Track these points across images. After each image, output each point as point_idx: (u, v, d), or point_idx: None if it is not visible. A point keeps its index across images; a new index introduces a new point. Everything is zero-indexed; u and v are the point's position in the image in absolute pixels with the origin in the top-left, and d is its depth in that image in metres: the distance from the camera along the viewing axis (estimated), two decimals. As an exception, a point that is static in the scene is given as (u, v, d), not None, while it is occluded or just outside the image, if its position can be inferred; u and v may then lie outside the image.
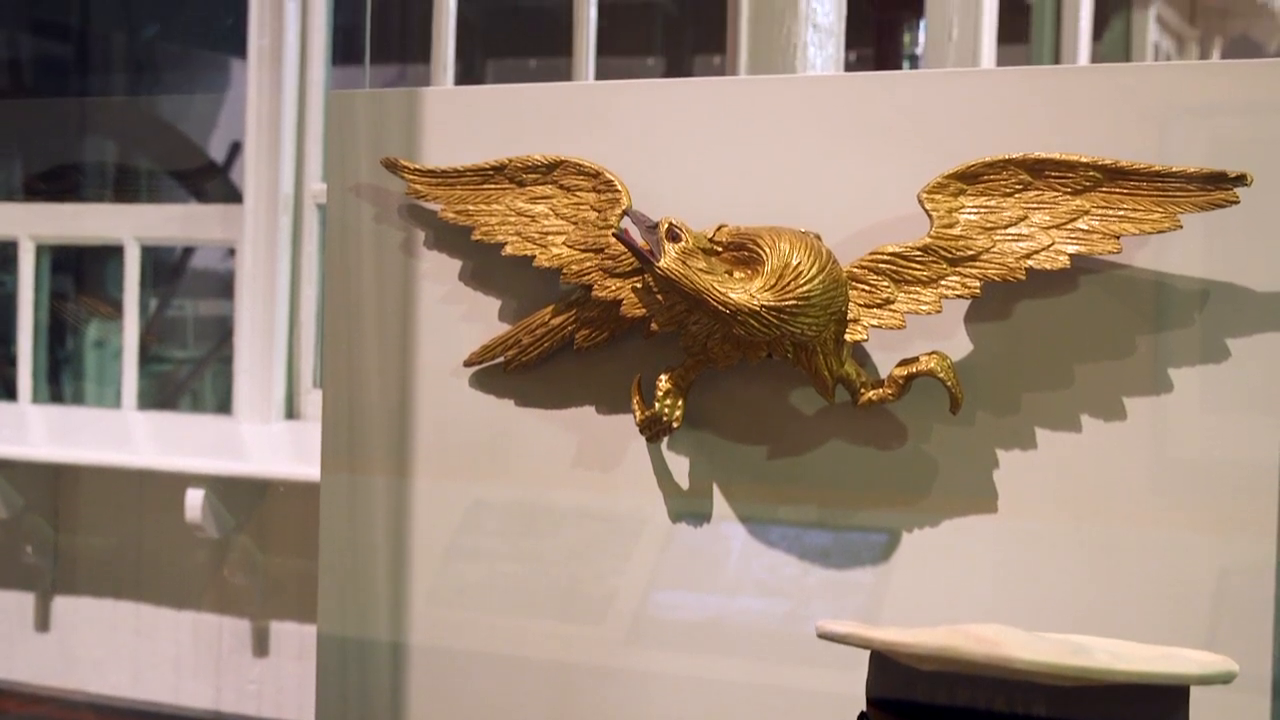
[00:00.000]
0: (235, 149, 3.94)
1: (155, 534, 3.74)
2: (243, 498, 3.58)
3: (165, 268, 4.16)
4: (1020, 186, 1.51)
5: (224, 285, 3.84)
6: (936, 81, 1.64)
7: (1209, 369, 1.51)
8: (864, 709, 1.36)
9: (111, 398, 3.90)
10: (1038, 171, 1.50)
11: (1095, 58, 4.82)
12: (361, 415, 1.85)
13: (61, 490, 3.83)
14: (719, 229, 1.59)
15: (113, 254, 3.77)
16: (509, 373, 1.76)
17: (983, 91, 1.59)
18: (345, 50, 3.50)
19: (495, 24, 5.19)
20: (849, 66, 3.64)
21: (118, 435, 3.78)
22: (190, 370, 4.24)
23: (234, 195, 3.72)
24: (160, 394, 4.05)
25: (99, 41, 4.48)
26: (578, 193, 1.69)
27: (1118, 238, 1.48)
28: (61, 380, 4.07)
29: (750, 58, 2.82)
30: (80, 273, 4.17)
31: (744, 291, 1.50)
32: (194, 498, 3.50)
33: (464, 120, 1.79)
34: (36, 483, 3.81)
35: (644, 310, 1.63)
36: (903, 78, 1.72)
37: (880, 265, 1.55)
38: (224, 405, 3.79)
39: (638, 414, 1.64)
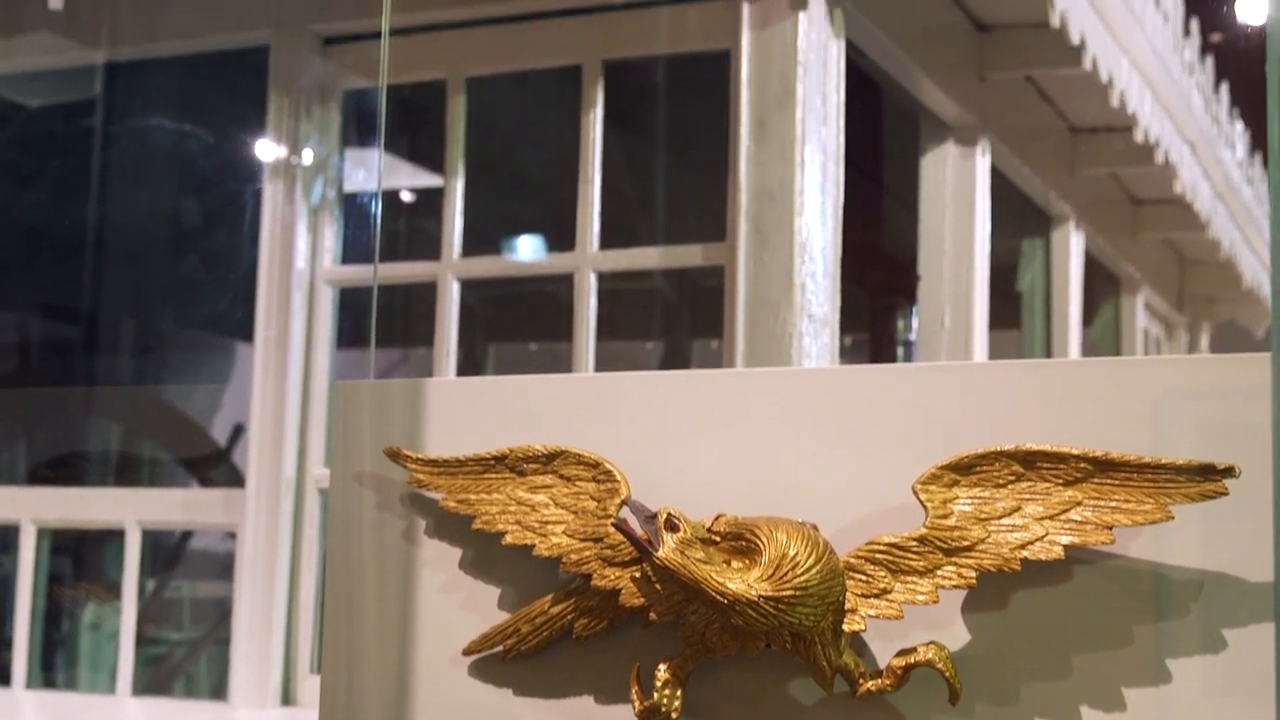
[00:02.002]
0: (238, 431, 3.99)
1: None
2: (235, 787, 3.51)
3: (164, 549, 4.17)
4: (1013, 478, 1.54)
5: (223, 567, 3.84)
6: (930, 375, 1.68)
7: (1209, 659, 1.51)
8: None
9: (105, 683, 3.87)
10: (1030, 463, 1.53)
11: (1085, 343, 4.91)
12: (360, 703, 1.84)
13: (51, 779, 3.76)
14: (717, 519, 1.61)
15: (112, 536, 3.78)
16: (508, 661, 1.75)
17: (975, 384, 1.63)
18: (350, 334, 3.57)
19: (497, 310, 5.29)
20: (843, 351, 3.71)
21: (110, 722, 3.73)
22: (186, 653, 4.20)
23: (236, 476, 3.74)
24: (155, 678, 4.01)
25: (108, 326, 4.57)
26: (577, 482, 1.71)
27: (1111, 528, 1.50)
28: (55, 664, 4.03)
29: (747, 346, 2.88)
30: (79, 555, 4.17)
31: (742, 582, 1.51)
32: (185, 786, 3.44)
33: (466, 410, 1.82)
34: (26, 771, 3.74)
35: (643, 599, 1.63)
36: (896, 371, 1.76)
37: (877, 555, 1.56)
38: (219, 690, 3.75)
39: (637, 704, 1.63)
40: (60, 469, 4.17)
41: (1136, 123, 4.13)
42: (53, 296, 4.63)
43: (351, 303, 3.53)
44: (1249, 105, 5.48)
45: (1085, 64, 3.63)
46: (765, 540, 1.53)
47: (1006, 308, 4.51)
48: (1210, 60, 5.31)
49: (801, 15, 2.93)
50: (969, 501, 1.54)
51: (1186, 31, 4.99)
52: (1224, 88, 5.49)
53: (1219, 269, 5.99)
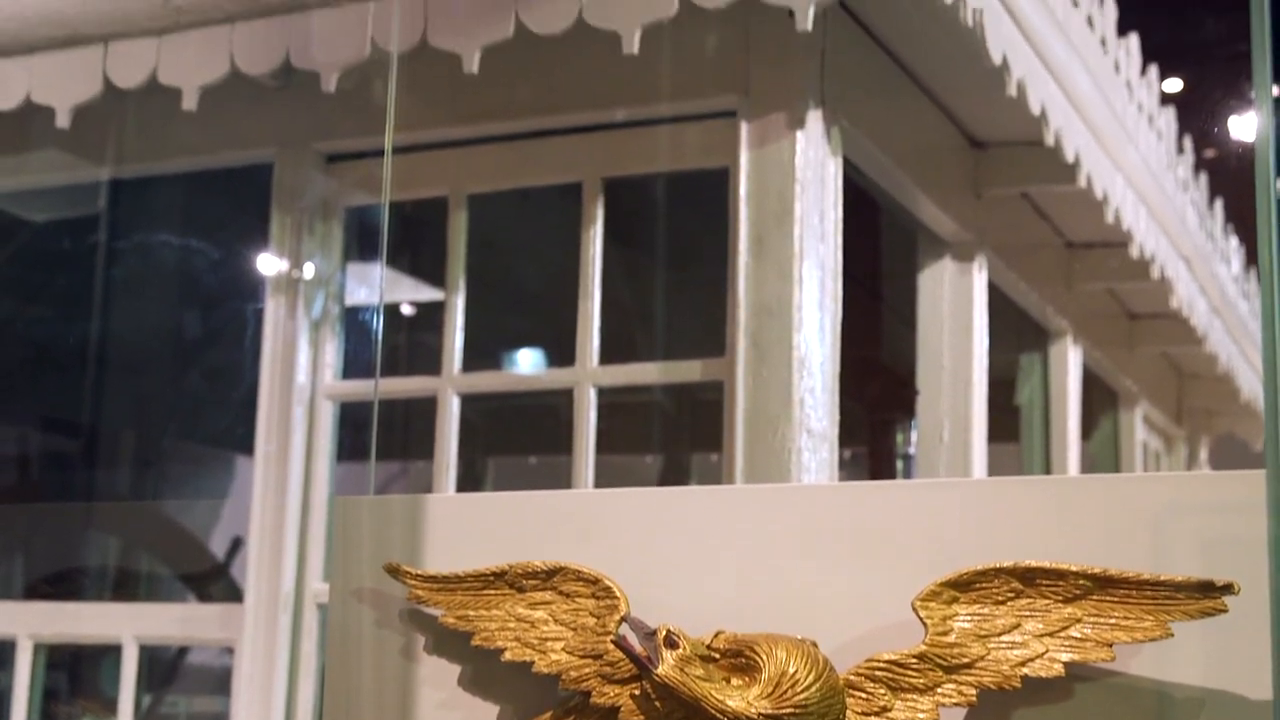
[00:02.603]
0: (236, 544, 3.98)
1: None
2: None
3: (161, 665, 4.14)
4: (1013, 594, 1.54)
5: (220, 682, 3.81)
6: (929, 492, 1.69)
7: (1211, 777, 1.51)
8: None
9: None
10: (1029, 580, 1.53)
11: (1085, 457, 4.92)
12: (356, 823, 1.82)
13: None
14: (717, 635, 1.61)
15: (109, 651, 3.76)
16: (507, 780, 1.74)
17: (974, 501, 1.64)
18: (351, 448, 3.58)
19: (497, 423, 5.30)
20: (843, 464, 3.71)
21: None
22: (181, 771, 4.16)
23: (234, 591, 3.73)
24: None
25: (108, 440, 4.58)
26: (577, 599, 1.71)
27: (1111, 645, 1.50)
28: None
29: (746, 461, 2.89)
30: (76, 671, 4.14)
31: (741, 699, 1.51)
32: None
33: (466, 526, 1.82)
34: None
35: (643, 717, 1.63)
36: (895, 488, 1.77)
37: (877, 673, 1.56)
38: (213, 809, 3.71)
39: (636, 823, 1.62)
40: (58, 584, 4.16)
41: (1132, 239, 4.17)
42: (54, 410, 4.64)
43: (352, 417, 3.55)
44: (1243, 221, 5.54)
45: (1080, 181, 3.67)
46: (765, 657, 1.53)
47: (1005, 422, 4.52)
48: (1204, 177, 5.37)
49: (799, 134, 2.97)
50: (969, 618, 1.54)
51: (1180, 149, 5.05)
52: (1218, 204, 5.54)
53: (1217, 382, 6.01)
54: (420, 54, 3.06)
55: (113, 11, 3.34)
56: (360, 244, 3.65)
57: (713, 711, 1.51)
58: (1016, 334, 4.61)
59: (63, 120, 3.41)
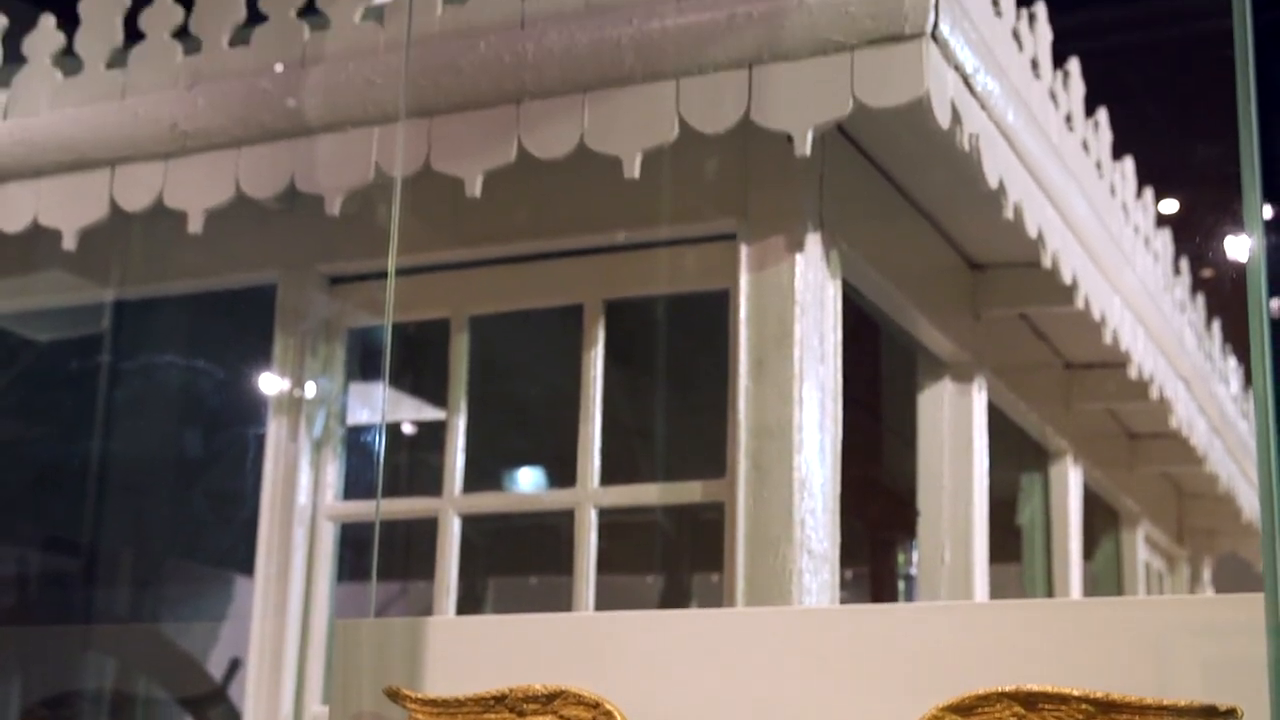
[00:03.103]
0: (235, 666, 3.96)
1: None
2: None
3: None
4: (1015, 719, 1.53)
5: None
6: (930, 615, 1.69)
7: None
8: None
9: None
10: (1032, 704, 1.53)
11: (1087, 577, 4.90)
12: None
13: None
14: (718, 761, 1.60)
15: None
16: None
17: (976, 624, 1.64)
18: (351, 569, 3.57)
19: (497, 543, 5.29)
20: (844, 585, 3.70)
21: None
22: None
23: (233, 714, 3.70)
24: None
25: (107, 560, 4.57)
26: (578, 723, 1.71)
27: (1114, 772, 1.49)
28: None
29: (747, 582, 2.88)
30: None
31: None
32: None
33: (466, 650, 1.82)
34: None
35: (643, 844, 1.62)
36: (897, 611, 1.76)
37: (879, 798, 1.55)
38: None
39: None
40: (56, 709, 4.13)
41: (1130, 360, 4.19)
42: (53, 530, 4.63)
43: (353, 538, 3.54)
44: (1240, 341, 5.56)
45: (1078, 303, 3.70)
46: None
47: (1007, 542, 4.51)
48: (1201, 297, 5.41)
49: (799, 256, 3.00)
50: (970, 743, 1.54)
51: (1177, 270, 5.09)
52: (1216, 324, 5.57)
53: (1218, 502, 6.00)
54: (423, 177, 3.10)
55: (120, 136, 3.39)
56: (363, 365, 3.66)
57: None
58: (1017, 454, 4.61)
59: (69, 243, 3.44)
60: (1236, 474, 5.78)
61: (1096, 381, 4.51)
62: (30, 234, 3.52)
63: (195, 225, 3.31)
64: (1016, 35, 3.38)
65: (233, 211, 3.33)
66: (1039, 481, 4.71)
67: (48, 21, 3.63)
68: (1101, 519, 5.46)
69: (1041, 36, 3.59)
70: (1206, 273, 5.38)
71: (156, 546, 4.61)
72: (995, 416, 4.07)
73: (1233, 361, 5.88)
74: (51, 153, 3.45)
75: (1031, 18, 3.53)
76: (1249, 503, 5.97)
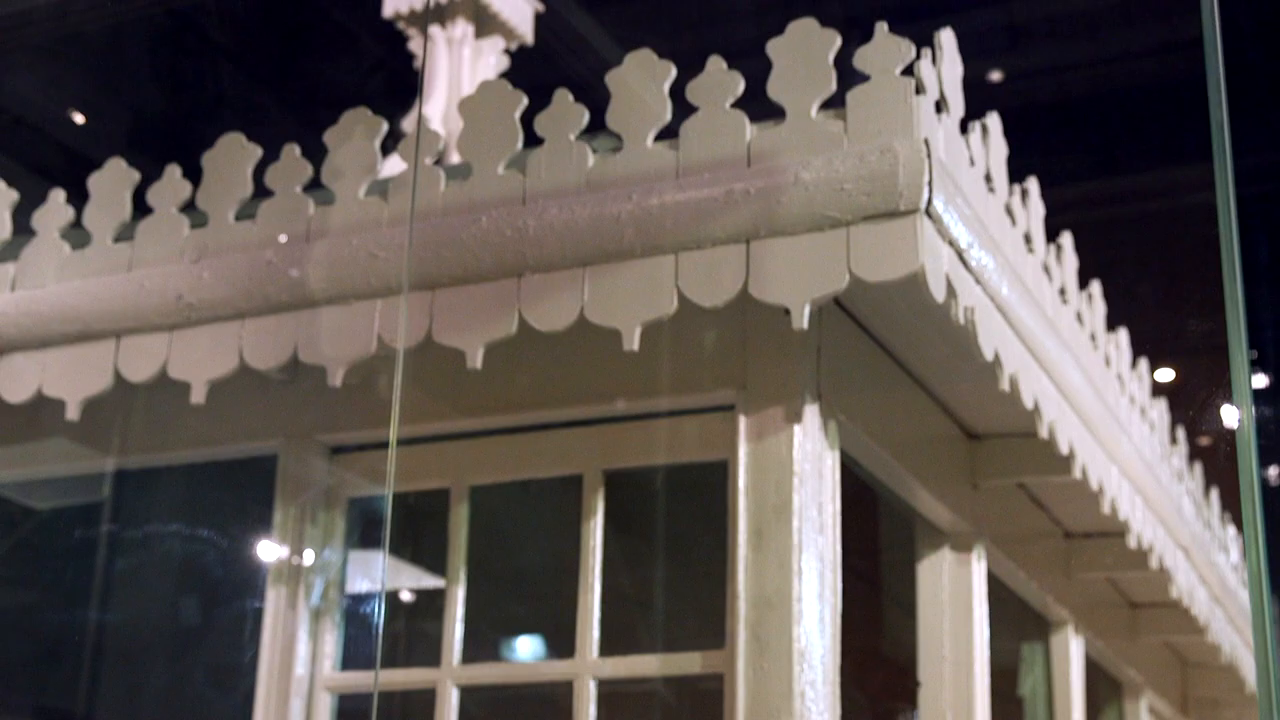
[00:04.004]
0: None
1: None
2: None
3: None
4: None
5: None
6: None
7: None
8: None
9: None
10: None
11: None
12: None
13: None
14: None
15: None
16: None
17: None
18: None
19: (495, 713, 5.23)
20: None
21: None
22: None
23: None
24: None
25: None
26: None
27: None
28: None
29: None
30: None
31: None
32: None
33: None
34: None
35: None
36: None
37: None
38: None
39: None
40: None
41: (1129, 529, 4.19)
42: (49, 700, 4.60)
43: (350, 709, 3.52)
44: (1239, 509, 5.56)
45: (1075, 473, 3.71)
46: None
47: (1009, 713, 4.47)
48: (1199, 465, 5.43)
49: (796, 428, 3.02)
50: None
51: (1174, 438, 5.12)
52: (1214, 492, 5.58)
53: (1221, 672, 5.96)
54: (424, 349, 3.13)
55: (125, 308, 3.43)
56: (363, 534, 3.67)
57: None
58: (1017, 624, 4.59)
59: (72, 413, 3.47)
60: (1239, 644, 5.75)
61: (1096, 551, 4.51)
62: (34, 402, 3.55)
63: (198, 396, 3.33)
64: (1009, 210, 3.45)
65: (235, 381, 3.37)
66: (1040, 651, 4.68)
67: (58, 196, 3.70)
68: (1104, 689, 5.42)
69: (1034, 211, 3.66)
70: (1204, 440, 5.40)
71: (153, 718, 4.57)
72: (995, 586, 4.07)
73: (1232, 530, 5.87)
74: (57, 324, 3.49)
75: (1024, 193, 3.60)
76: (1252, 673, 5.92)
